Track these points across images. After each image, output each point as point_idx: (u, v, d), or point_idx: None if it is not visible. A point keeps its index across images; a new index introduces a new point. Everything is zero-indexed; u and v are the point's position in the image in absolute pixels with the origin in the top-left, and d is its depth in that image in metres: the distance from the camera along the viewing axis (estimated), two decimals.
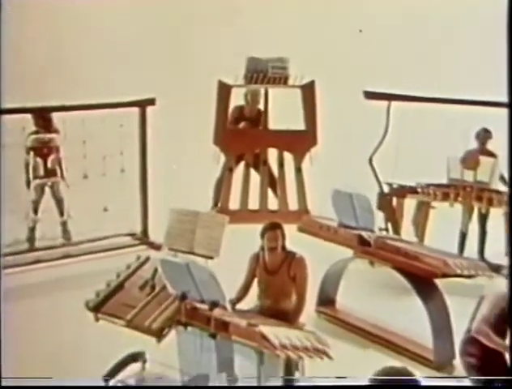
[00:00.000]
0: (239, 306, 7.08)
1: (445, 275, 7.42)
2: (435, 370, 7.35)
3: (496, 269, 7.42)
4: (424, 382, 5.12)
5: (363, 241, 8.17)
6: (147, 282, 7.08)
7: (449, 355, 6.97)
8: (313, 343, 6.23)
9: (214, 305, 6.42)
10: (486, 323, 6.13)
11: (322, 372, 6.23)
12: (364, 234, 8.17)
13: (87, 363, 7.39)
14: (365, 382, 4.46)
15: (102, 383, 7.20)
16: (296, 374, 6.63)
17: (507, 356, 6.14)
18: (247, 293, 7.32)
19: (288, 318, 6.95)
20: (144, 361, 7.26)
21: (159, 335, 6.58)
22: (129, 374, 7.31)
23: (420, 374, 6.89)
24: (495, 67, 11.35)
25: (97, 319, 7.01)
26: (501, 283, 6.56)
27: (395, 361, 7.25)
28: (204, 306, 6.49)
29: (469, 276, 7.41)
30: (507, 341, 6.15)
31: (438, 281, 7.72)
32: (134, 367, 7.31)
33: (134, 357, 7.26)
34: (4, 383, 6.89)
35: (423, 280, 7.63)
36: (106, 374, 7.02)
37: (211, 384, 6.95)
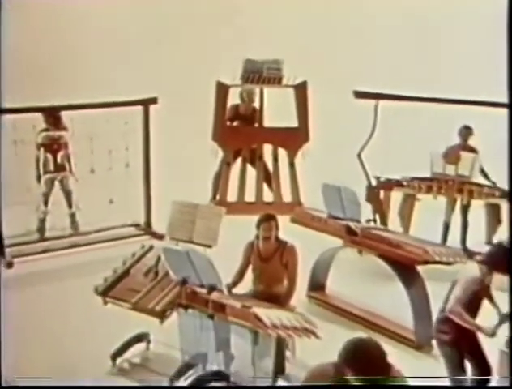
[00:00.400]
0: (235, 291, 7.17)
1: (425, 262, 7.58)
2: (415, 350, 7.52)
3: (471, 256, 7.50)
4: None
5: (350, 231, 8.29)
6: (150, 269, 7.25)
7: (428, 335, 7.01)
8: (302, 323, 6.40)
9: (212, 289, 6.61)
10: (459, 304, 6.22)
11: (312, 352, 6.36)
12: (352, 225, 8.31)
13: (95, 343, 7.55)
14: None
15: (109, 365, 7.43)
16: (287, 353, 6.85)
17: (479, 334, 6.24)
18: (242, 279, 7.41)
19: (279, 301, 7.06)
20: (148, 341, 7.58)
21: (162, 316, 6.75)
22: (134, 353, 7.56)
23: (403, 353, 7.19)
24: (478, 68, 11.66)
25: (105, 303, 7.15)
26: (473, 268, 6.61)
27: (381, 342, 7.75)
28: (203, 290, 6.66)
29: (447, 263, 7.55)
30: (478, 320, 6.23)
31: (420, 267, 7.83)
32: (139, 347, 7.57)
33: (139, 338, 7.56)
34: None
35: (405, 267, 7.79)
36: (113, 353, 7.30)
37: (209, 362, 7.08)
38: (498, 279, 7.03)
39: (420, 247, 7.80)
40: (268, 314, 6.38)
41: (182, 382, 7.02)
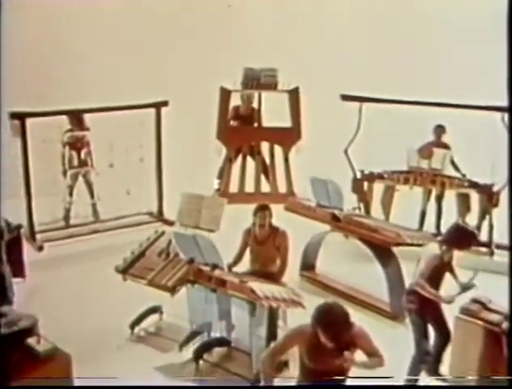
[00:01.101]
0: (235, 269, 7.48)
1: (398, 244, 7.94)
2: (390, 319, 7.89)
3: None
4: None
5: (335, 218, 8.59)
6: (163, 250, 7.62)
7: (401, 307, 7.14)
8: (291, 296, 6.81)
9: (214, 267, 7.03)
10: (422, 277, 6.54)
11: (301, 321, 6.61)
12: (336, 212, 8.62)
13: (115, 314, 7.87)
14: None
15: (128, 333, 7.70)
16: (280, 322, 7.15)
17: (442, 305, 6.55)
18: (241, 259, 7.69)
19: (273, 278, 7.39)
20: (161, 313, 7.95)
21: (173, 291, 7.12)
22: (149, 323, 7.95)
23: (380, 323, 7.68)
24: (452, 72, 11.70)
25: (125, 279, 7.49)
26: (435, 247, 6.96)
27: (361, 313, 7.74)
28: (207, 268, 7.06)
29: (417, 245, 7.85)
30: (441, 292, 6.52)
31: (395, 249, 8.13)
32: (154, 317, 7.95)
33: (154, 310, 7.93)
34: None
35: (381, 248, 8.14)
36: (131, 323, 7.68)
37: (213, 330, 7.47)
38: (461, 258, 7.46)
39: (393, 231, 8.11)
40: (262, 288, 6.73)
41: (190, 347, 7.27)
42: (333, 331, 4.58)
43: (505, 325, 6.05)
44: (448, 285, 6.70)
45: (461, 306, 6.37)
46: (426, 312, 6.57)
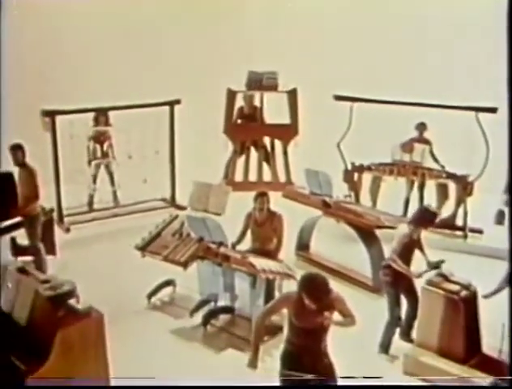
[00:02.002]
0: (238, 248, 7.91)
1: (378, 227, 8.42)
2: (372, 292, 8.33)
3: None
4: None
5: (326, 204, 9.04)
6: (176, 231, 8.01)
7: (381, 282, 7.43)
8: (285, 270, 7.38)
9: (220, 244, 7.53)
10: (394, 253, 7.02)
11: None
12: (327, 199, 9.07)
13: (134, 286, 8.30)
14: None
15: (145, 303, 8.12)
16: (276, 293, 7.53)
17: (414, 279, 7.05)
18: (243, 239, 8.07)
19: (270, 255, 7.81)
20: (174, 285, 8.37)
21: (185, 265, 7.53)
22: (164, 293, 8.38)
23: (363, 295, 8.24)
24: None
25: (143, 256, 7.91)
26: (404, 227, 7.32)
27: (348, 287, 8.34)
28: (214, 246, 7.53)
29: (395, 227, 8.17)
30: (412, 268, 7.04)
31: (378, 231, 8.58)
32: (168, 289, 8.39)
33: (168, 282, 8.37)
34: None
35: (365, 231, 8.62)
36: (148, 293, 8.15)
37: (219, 300, 7.91)
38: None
39: (375, 216, 8.62)
40: (260, 262, 7.28)
41: (199, 314, 7.71)
42: (315, 295, 5.11)
43: (463, 293, 6.62)
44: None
45: (427, 279, 6.88)
46: (399, 284, 7.04)
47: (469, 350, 6.70)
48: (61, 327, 5.34)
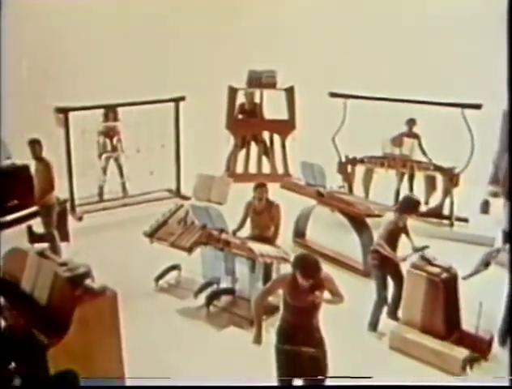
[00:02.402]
0: (238, 234, 8.17)
1: (368, 215, 8.71)
2: (363, 276, 8.61)
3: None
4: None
5: (320, 194, 9.32)
6: (182, 219, 8.26)
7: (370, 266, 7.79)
8: (281, 254, 7.66)
9: (222, 231, 7.81)
10: (381, 238, 7.33)
11: None
12: (321, 190, 9.35)
13: (143, 270, 8.60)
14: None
15: (153, 285, 8.42)
16: (273, 276, 7.66)
17: (400, 263, 7.35)
18: (243, 226, 8.31)
19: (268, 241, 8.05)
20: (180, 269, 8.65)
21: (189, 251, 7.82)
22: (170, 277, 8.68)
23: (354, 279, 8.54)
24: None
25: (151, 242, 8.18)
26: (391, 215, 7.67)
27: (341, 271, 8.60)
28: (216, 232, 7.79)
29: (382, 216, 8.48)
30: (398, 253, 7.33)
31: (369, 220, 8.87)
32: (174, 273, 8.69)
33: (174, 267, 8.66)
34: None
35: (356, 219, 8.92)
36: (156, 277, 8.46)
37: (221, 283, 8.20)
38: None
39: (365, 205, 8.92)
40: (258, 248, 7.58)
41: (203, 295, 8.02)
42: (307, 272, 5.44)
43: (443, 275, 6.99)
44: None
45: (411, 262, 7.24)
46: (385, 267, 7.38)
47: (449, 327, 7.07)
48: (79, 305, 5.68)
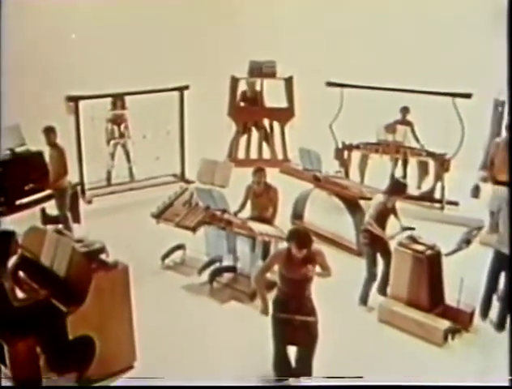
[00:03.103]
0: (239, 216, 8.57)
1: (361, 198, 9.16)
2: (356, 255, 9.06)
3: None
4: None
5: (316, 178, 9.80)
6: (187, 201, 8.77)
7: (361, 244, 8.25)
8: (279, 233, 8.06)
9: (224, 211, 8.31)
10: (371, 218, 7.82)
11: None
12: (317, 174, 9.83)
13: (150, 249, 8.98)
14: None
15: (160, 263, 8.84)
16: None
17: (389, 242, 7.83)
18: (244, 208, 8.73)
19: (267, 222, 8.49)
20: (184, 249, 9.09)
21: (194, 230, 8.31)
22: (176, 255, 9.13)
23: (348, 258, 9.04)
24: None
25: (158, 222, 8.64)
26: (379, 196, 8.09)
27: (336, 250, 9.19)
28: (219, 213, 8.28)
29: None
30: (386, 232, 7.82)
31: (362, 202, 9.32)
32: (179, 252, 9.14)
33: (179, 246, 9.11)
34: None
35: (350, 202, 9.42)
36: (162, 255, 8.93)
37: (224, 261, 8.65)
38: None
39: (358, 188, 9.44)
40: (257, 227, 8.09)
41: (206, 272, 8.47)
42: (300, 242, 5.99)
43: (428, 253, 7.53)
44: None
45: (398, 241, 7.77)
46: (375, 245, 7.89)
47: (433, 301, 7.62)
48: (95, 277, 6.30)
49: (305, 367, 6.48)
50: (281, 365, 6.52)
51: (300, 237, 6.08)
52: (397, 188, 8.04)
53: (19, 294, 6.53)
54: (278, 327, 6.34)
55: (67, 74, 11.62)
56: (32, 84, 11.51)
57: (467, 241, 7.57)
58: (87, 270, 6.35)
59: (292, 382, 6.54)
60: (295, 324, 6.25)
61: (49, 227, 8.03)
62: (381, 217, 7.89)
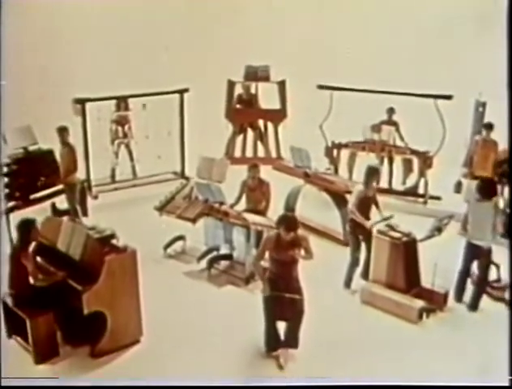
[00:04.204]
0: (235, 208, 9.18)
1: (347, 192, 9.73)
2: (343, 245, 9.65)
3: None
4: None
5: (306, 174, 10.43)
6: (187, 195, 9.45)
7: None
8: (271, 223, 8.52)
9: (221, 204, 9.01)
10: (353, 206, 8.54)
11: None
12: (307, 170, 10.44)
13: (153, 240, 9.44)
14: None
15: (162, 253, 9.53)
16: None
17: (372, 230, 8.47)
18: (239, 201, 9.35)
19: (260, 213, 9.15)
20: (185, 239, 9.75)
21: (194, 221, 9.05)
22: (177, 245, 9.79)
23: (335, 247, 9.77)
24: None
25: (161, 215, 9.33)
26: (359, 186, 8.69)
27: (324, 241, 9.89)
28: (216, 205, 8.99)
29: None
30: (370, 221, 8.50)
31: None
32: (180, 243, 9.81)
33: (180, 237, 9.78)
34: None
35: (337, 195, 10.07)
36: (164, 245, 9.61)
37: (221, 250, 9.31)
38: None
39: (344, 183, 10.09)
40: (251, 217, 8.83)
41: (205, 260, 9.14)
42: (289, 225, 6.79)
43: (404, 239, 8.33)
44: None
45: (377, 229, 8.53)
46: (358, 232, 8.63)
47: (409, 283, 8.45)
48: (107, 259, 7.16)
49: (292, 340, 7.36)
50: (271, 338, 7.39)
51: (288, 221, 6.91)
52: (371, 173, 8.70)
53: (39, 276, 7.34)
54: (269, 305, 7.18)
55: (69, 77, 12.16)
56: (34, 86, 12.02)
57: (438, 229, 8.33)
58: (99, 253, 7.20)
59: (281, 352, 7.37)
60: (283, 302, 7.07)
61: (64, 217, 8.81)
62: (363, 205, 8.56)
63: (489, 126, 10.97)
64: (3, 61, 8.22)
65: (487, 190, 8.19)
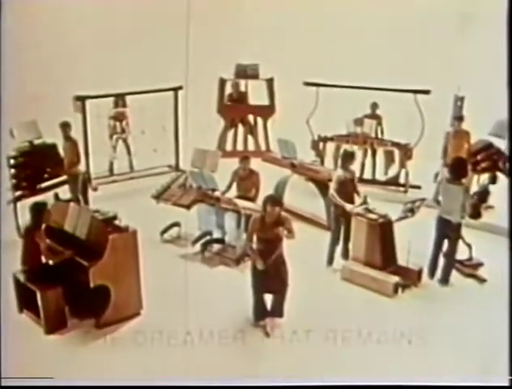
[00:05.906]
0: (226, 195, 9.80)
1: (329, 180, 10.17)
2: (326, 230, 10.20)
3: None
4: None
5: (293, 165, 11.15)
6: (182, 184, 10.19)
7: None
8: (258, 208, 8.90)
9: (213, 190, 9.76)
10: (333, 190, 9.31)
11: None
12: (294, 161, 11.17)
13: (151, 225, 9.79)
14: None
15: (159, 238, 10.30)
16: None
17: (352, 212, 9.20)
18: (230, 188, 10.00)
19: (250, 200, 9.75)
20: (180, 226, 10.40)
21: (188, 208, 9.79)
22: (173, 231, 10.44)
23: (320, 232, 10.38)
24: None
25: (158, 202, 10.02)
26: (339, 170, 9.43)
27: (310, 227, 10.59)
28: (209, 192, 9.74)
29: None
30: (351, 205, 9.20)
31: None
32: (175, 228, 10.47)
33: (175, 224, 10.45)
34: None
35: (321, 184, 10.77)
36: (161, 231, 10.29)
37: (213, 234, 9.97)
38: None
39: (327, 172, 10.74)
40: (242, 203, 9.56)
41: (199, 244, 9.86)
42: (274, 203, 7.64)
43: (380, 220, 9.14)
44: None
45: (356, 211, 9.31)
46: (339, 214, 9.42)
47: (386, 261, 9.29)
48: (110, 238, 8.00)
49: (278, 310, 8.25)
50: (259, 309, 8.26)
51: (273, 199, 7.83)
52: (346, 157, 9.47)
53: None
54: (256, 279, 8.06)
55: (70, 75, 12.23)
56: (37, 84, 11.77)
57: (411, 210, 9.19)
58: (104, 232, 8.03)
59: (268, 321, 8.23)
60: (270, 276, 7.93)
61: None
62: (342, 188, 9.27)
63: (459, 118, 11.76)
64: (4, 61, 8.60)
65: (458, 169, 8.93)
